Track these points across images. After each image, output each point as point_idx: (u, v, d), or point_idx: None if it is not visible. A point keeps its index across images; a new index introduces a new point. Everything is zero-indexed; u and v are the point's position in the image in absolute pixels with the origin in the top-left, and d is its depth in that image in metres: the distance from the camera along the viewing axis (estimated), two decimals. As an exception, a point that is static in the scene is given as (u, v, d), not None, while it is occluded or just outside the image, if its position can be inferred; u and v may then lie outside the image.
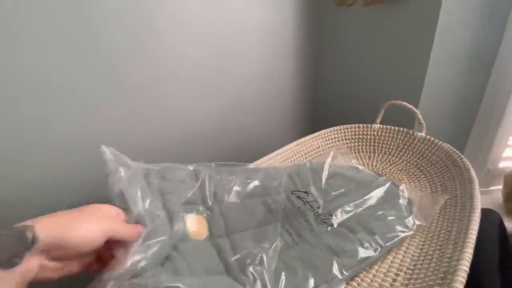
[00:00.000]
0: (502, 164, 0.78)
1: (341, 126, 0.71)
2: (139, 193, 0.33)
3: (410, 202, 0.49)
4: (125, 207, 0.32)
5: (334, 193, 0.51)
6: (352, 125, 0.71)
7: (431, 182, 0.57)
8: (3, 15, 0.38)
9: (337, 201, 0.48)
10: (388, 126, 0.69)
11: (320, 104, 0.94)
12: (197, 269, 0.34)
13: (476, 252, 0.35)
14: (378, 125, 0.69)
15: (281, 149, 0.62)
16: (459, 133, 0.80)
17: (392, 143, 0.68)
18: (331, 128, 0.70)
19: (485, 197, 0.81)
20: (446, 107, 0.75)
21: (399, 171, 0.62)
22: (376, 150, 0.69)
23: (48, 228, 0.24)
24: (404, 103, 0.64)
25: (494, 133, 0.74)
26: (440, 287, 0.32)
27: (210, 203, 0.44)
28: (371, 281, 0.38)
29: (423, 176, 0.59)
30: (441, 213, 0.47)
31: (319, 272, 0.36)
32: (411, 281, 0.37)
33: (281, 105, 0.82)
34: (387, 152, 0.68)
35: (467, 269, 0.31)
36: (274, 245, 0.40)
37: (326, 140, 0.70)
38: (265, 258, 0.37)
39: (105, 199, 0.32)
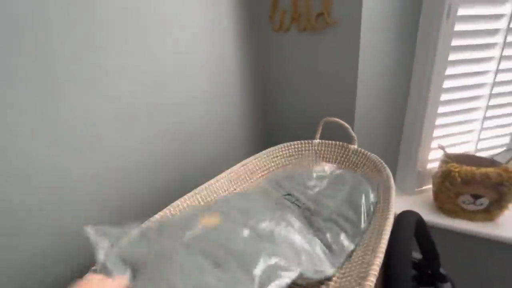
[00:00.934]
0: (429, 166, 0.87)
1: (283, 144, 0.75)
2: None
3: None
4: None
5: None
6: (294, 142, 0.75)
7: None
8: None
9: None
10: (327, 141, 0.74)
11: (266, 123, 0.98)
12: None
13: (391, 251, 0.40)
14: (318, 140, 0.75)
15: (225, 172, 0.64)
16: (392, 141, 0.88)
17: (331, 155, 0.73)
18: (273, 147, 0.74)
19: (419, 196, 0.89)
20: (378, 118, 0.83)
21: (337, 182, 0.67)
22: (317, 163, 0.74)
23: None
24: (336, 119, 0.70)
25: (419, 139, 0.83)
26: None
27: None
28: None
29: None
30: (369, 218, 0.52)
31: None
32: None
33: (225, 129, 0.84)
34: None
35: (376, 273, 0.35)
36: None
37: (272, 158, 0.74)
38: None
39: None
